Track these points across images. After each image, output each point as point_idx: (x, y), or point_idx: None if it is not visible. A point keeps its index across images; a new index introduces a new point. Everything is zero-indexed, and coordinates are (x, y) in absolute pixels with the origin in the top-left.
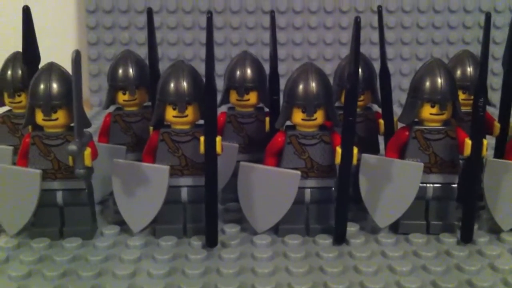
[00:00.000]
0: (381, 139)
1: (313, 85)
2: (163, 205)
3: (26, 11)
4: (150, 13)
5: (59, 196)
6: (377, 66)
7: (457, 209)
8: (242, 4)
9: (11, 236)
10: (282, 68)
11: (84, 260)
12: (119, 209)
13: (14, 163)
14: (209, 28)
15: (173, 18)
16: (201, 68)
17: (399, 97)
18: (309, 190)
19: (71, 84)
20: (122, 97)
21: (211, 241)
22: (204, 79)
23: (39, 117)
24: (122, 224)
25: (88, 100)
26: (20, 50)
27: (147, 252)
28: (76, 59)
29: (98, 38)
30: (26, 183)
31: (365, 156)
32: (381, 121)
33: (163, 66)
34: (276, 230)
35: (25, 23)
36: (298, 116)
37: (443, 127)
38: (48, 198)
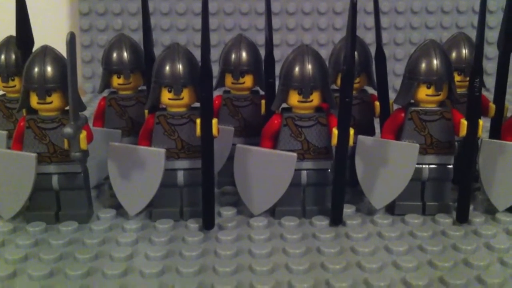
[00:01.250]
0: (376, 122)
1: (309, 67)
2: (159, 188)
3: None
4: None
5: (55, 179)
6: (372, 50)
7: (453, 190)
8: None
9: (7, 220)
10: (276, 54)
11: (80, 244)
12: (115, 193)
13: (8, 148)
14: (205, 9)
15: (166, 4)
16: (195, 54)
17: (393, 82)
18: (305, 172)
19: (65, 67)
20: (116, 81)
21: (208, 223)
22: (199, 63)
23: (34, 100)
24: (118, 208)
25: (81, 87)
26: (13, 34)
27: (143, 235)
28: (71, 41)
29: (91, 24)
30: (22, 166)
31: (361, 137)
32: (377, 103)
33: (156, 51)
34: (273, 212)
35: (18, 7)
36: (294, 98)
37: (439, 108)
38: (44, 182)
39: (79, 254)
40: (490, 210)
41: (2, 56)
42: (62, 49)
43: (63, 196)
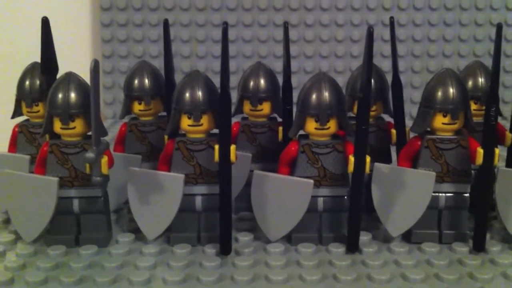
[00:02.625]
0: (393, 149)
1: (326, 94)
2: (177, 213)
3: (45, 22)
4: (166, 24)
5: (76, 203)
6: (389, 78)
7: (469, 219)
8: (255, 18)
9: (28, 243)
10: (294, 81)
11: (100, 267)
12: (134, 217)
13: (31, 172)
14: (225, 37)
15: (186, 31)
16: (214, 81)
17: (410, 110)
18: (322, 198)
19: (88, 93)
20: (137, 107)
21: (225, 249)
22: (218, 89)
23: (57, 125)
24: (137, 232)
25: (102, 112)
26: (38, 60)
27: (162, 260)
28: (95, 68)
29: (113, 51)
30: (44, 190)
31: (378, 165)
32: (393, 131)
33: (176, 78)
34: (289, 238)
35: (44, 34)
36: (311, 125)
37: (455, 137)
38: (65, 205)
39: (98, 277)
40: (507, 239)
41: (27, 82)
42: (85, 75)
43: (83, 220)
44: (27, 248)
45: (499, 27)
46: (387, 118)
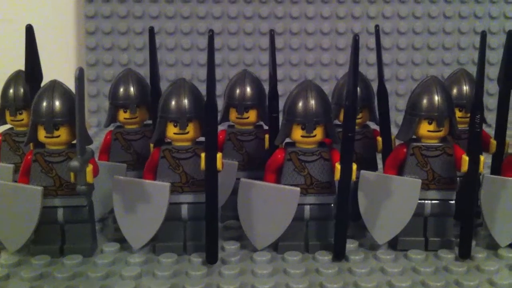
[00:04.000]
0: (378, 157)
1: (312, 102)
2: (163, 222)
3: (29, 30)
4: (151, 32)
5: (60, 213)
6: (374, 86)
7: (455, 226)
8: (240, 26)
9: (12, 253)
10: (279, 89)
11: (84, 277)
12: (119, 226)
13: (15, 181)
14: (211, 44)
15: (172, 40)
16: (200, 89)
17: (395, 117)
18: (308, 206)
19: (73, 101)
20: (123, 115)
21: (211, 258)
22: (204, 97)
23: (42, 134)
24: (122, 241)
25: (87, 121)
26: (21, 68)
27: (147, 269)
28: (80, 76)
29: (97, 59)
30: (27, 200)
31: (364, 172)
32: (379, 139)
33: (162, 86)
34: (276, 247)
35: (28, 42)
36: (297, 133)
37: (441, 144)
38: (49, 215)
39: (83, 287)
40: (492, 246)
41: (11, 90)
42: (69, 83)
43: (67, 229)
44: (11, 258)
45: (483, 35)
46: (373, 126)
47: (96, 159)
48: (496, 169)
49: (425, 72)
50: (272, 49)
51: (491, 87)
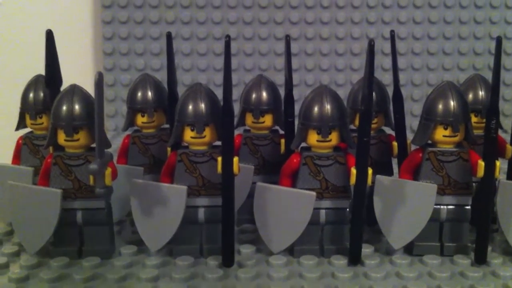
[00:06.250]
0: (394, 162)
1: (328, 107)
2: (180, 225)
3: (49, 35)
4: (169, 37)
5: (79, 215)
6: (389, 91)
7: (471, 231)
8: (256, 31)
9: (31, 254)
10: (295, 93)
11: (102, 279)
12: (137, 229)
13: (34, 184)
14: (227, 50)
15: (188, 45)
16: (215, 93)
17: (410, 122)
18: (324, 211)
19: (92, 105)
20: (140, 119)
21: (227, 261)
22: (220, 102)
23: (61, 137)
24: (139, 244)
25: (105, 125)
26: (41, 73)
27: (164, 272)
28: (99, 81)
29: (114, 64)
30: (47, 202)
31: (379, 177)
32: (395, 143)
33: (179, 90)
34: (292, 250)
35: (48, 47)
36: (313, 138)
37: (456, 149)
38: (68, 217)
39: None
40: (508, 252)
41: (31, 94)
42: (87, 88)
43: (86, 232)
44: (31, 260)
45: (498, 41)
46: (388, 131)
47: (114, 162)
48: None
49: (441, 77)
50: (288, 54)
51: (507, 93)
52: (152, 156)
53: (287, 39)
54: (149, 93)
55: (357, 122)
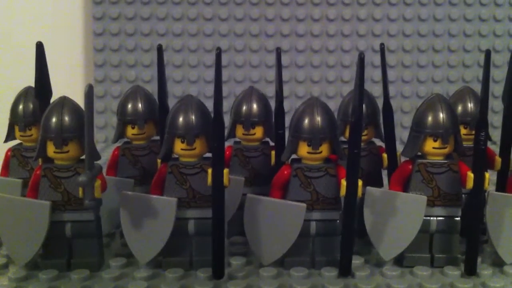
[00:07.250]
0: (384, 173)
1: (318, 119)
2: (170, 237)
3: (40, 47)
4: (160, 49)
5: (68, 227)
6: (379, 103)
7: (461, 243)
8: (246, 43)
9: (20, 267)
10: (285, 105)
11: None
12: (126, 241)
13: (23, 196)
14: (218, 62)
15: (179, 57)
16: (206, 105)
17: (400, 134)
18: (314, 222)
19: (82, 117)
20: (131, 131)
21: (217, 273)
22: (211, 114)
23: (51, 149)
24: (129, 256)
25: (95, 136)
26: (31, 85)
27: (154, 284)
28: (89, 93)
29: (105, 75)
30: (36, 214)
31: (369, 189)
32: (385, 155)
33: (169, 102)
34: (282, 262)
35: (38, 59)
36: (303, 149)
37: (446, 161)
38: (57, 229)
39: None
40: (498, 263)
41: (20, 106)
42: (77, 100)
43: (75, 244)
44: (19, 272)
45: (487, 53)
46: (378, 143)
47: (104, 174)
48: (501, 186)
49: (430, 89)
50: (279, 67)
51: (496, 105)
52: (142, 168)
53: (278, 52)
54: (140, 105)
55: (347, 134)
